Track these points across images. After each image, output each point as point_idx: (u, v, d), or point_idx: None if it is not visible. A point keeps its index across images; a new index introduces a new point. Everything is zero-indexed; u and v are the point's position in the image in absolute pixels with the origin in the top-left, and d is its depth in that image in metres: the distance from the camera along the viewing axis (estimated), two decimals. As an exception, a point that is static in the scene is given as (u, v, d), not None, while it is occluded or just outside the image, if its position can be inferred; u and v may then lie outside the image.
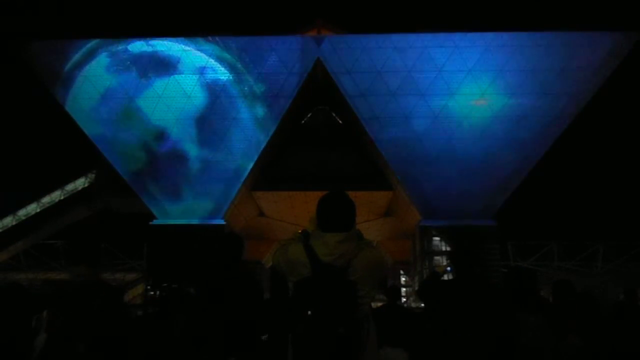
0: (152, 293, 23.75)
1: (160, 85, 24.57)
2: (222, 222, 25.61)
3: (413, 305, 24.25)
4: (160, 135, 25.24)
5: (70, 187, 29.35)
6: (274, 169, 27.34)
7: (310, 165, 26.38)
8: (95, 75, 24.59)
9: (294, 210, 28.31)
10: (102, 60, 24.45)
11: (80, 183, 29.43)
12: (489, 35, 23.89)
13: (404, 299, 27.72)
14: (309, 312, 2.34)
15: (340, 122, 28.82)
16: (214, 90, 24.69)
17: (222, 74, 24.56)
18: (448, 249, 25.25)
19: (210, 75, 24.63)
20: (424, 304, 4.90)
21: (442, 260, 24.98)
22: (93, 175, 29.39)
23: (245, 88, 24.57)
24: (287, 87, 24.46)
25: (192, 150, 25.20)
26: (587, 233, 27.80)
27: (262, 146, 24.95)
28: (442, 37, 24.02)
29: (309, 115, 28.93)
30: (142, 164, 25.64)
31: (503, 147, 24.12)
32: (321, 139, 27.16)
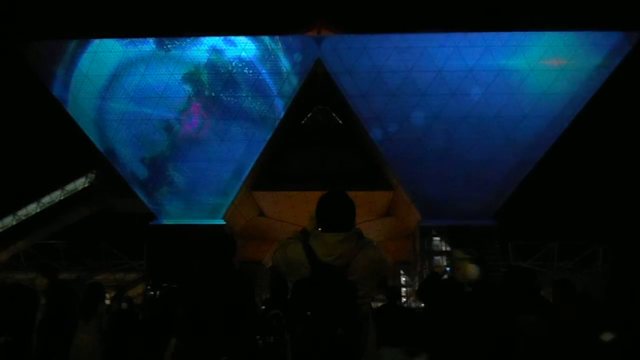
0: (152, 293, 23.75)
1: (161, 84, 24.57)
2: (222, 222, 25.63)
3: (413, 305, 24.23)
4: (160, 135, 25.25)
5: (70, 187, 29.36)
6: (274, 169, 27.34)
7: (310, 165, 26.39)
8: (96, 74, 24.58)
9: (294, 210, 28.31)
10: (102, 59, 24.43)
11: (80, 183, 29.44)
12: (489, 35, 23.88)
13: (404, 299, 27.71)
14: (308, 313, 2.33)
15: (340, 122, 28.82)
16: (214, 90, 24.69)
17: (222, 73, 24.55)
18: (448, 249, 25.26)
19: (210, 75, 24.62)
20: (424, 304, 4.90)
21: (442, 260, 24.99)
22: (93, 175, 29.40)
23: (245, 88, 24.57)
24: (287, 87, 24.46)
25: (192, 149, 25.20)
26: (587, 233, 27.77)
27: (262, 146, 24.95)
28: (442, 37, 24.00)
29: (309, 115, 28.93)
30: (142, 164, 25.66)
31: (503, 147, 24.12)
32: (321, 139, 27.16)
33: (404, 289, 30.86)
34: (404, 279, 34.06)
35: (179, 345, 3.65)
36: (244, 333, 3.36)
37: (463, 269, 3.64)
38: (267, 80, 24.45)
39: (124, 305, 7.52)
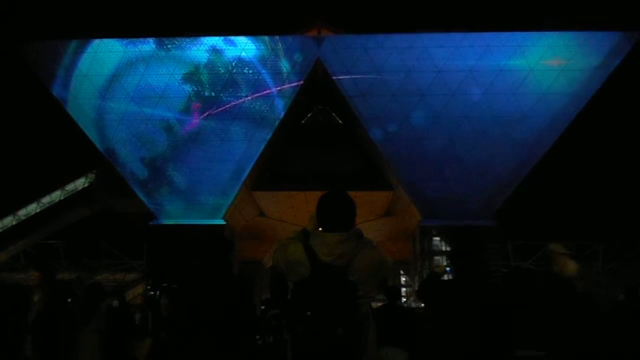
0: (152, 293, 23.74)
1: (161, 84, 24.57)
2: (222, 222, 25.62)
3: (413, 305, 24.23)
4: (160, 135, 25.25)
5: (70, 187, 29.34)
6: (274, 169, 27.34)
7: (310, 165, 26.39)
8: (96, 74, 24.58)
9: (294, 210, 28.30)
10: (102, 59, 24.44)
11: (80, 183, 29.42)
12: (489, 35, 23.88)
13: (404, 299, 27.71)
14: (309, 313, 2.33)
15: (340, 122, 28.82)
16: (214, 90, 24.69)
17: (222, 73, 24.56)
18: (448, 249, 25.25)
19: (210, 75, 24.62)
20: (424, 304, 4.90)
21: (442, 260, 24.97)
22: (93, 175, 29.39)
23: (245, 88, 24.57)
24: (287, 87, 24.46)
25: (192, 150, 25.20)
26: (587, 233, 27.75)
27: (262, 146, 24.95)
28: (442, 37, 24.01)
29: (309, 115, 28.93)
30: (142, 164, 25.66)
31: (503, 147, 24.11)
32: (321, 139, 27.16)
33: (404, 289, 30.85)
34: (404, 279, 34.05)
35: (156, 346, 3.65)
36: (241, 334, 3.36)
37: (563, 264, 3.53)
38: (267, 80, 24.45)
39: (115, 302, 7.32)
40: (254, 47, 24.40)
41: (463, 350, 3.42)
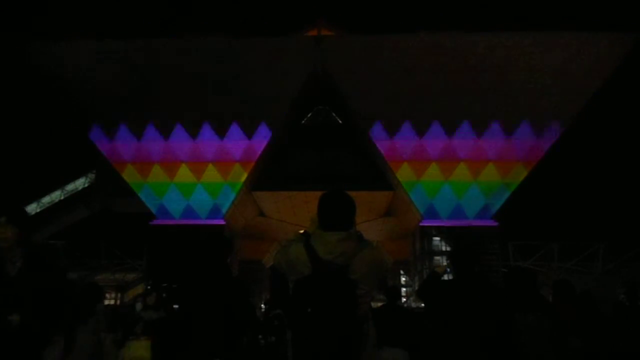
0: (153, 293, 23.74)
1: (160, 85, 24.53)
2: (222, 222, 25.63)
3: (413, 305, 24.24)
4: (161, 135, 25.24)
5: (70, 187, 29.38)
6: (274, 169, 27.34)
7: (310, 165, 26.39)
8: (96, 75, 24.54)
9: (294, 210, 28.31)
10: (102, 60, 24.40)
11: (80, 183, 29.47)
12: (489, 35, 23.87)
13: (404, 299, 27.71)
14: (309, 310, 2.35)
15: (340, 122, 28.82)
16: (214, 90, 24.66)
17: (222, 74, 24.52)
18: (448, 249, 25.27)
19: (210, 75, 24.58)
20: (424, 303, 4.90)
21: (442, 260, 24.99)
22: (93, 175, 29.42)
23: (245, 88, 24.53)
24: (287, 87, 24.44)
25: (192, 150, 25.20)
26: (587, 233, 27.74)
27: (262, 146, 24.95)
28: (442, 37, 24.00)
29: (309, 115, 28.92)
30: (142, 164, 25.64)
31: (503, 147, 24.12)
32: (321, 139, 27.17)
33: (404, 289, 30.86)
34: (404, 279, 34.07)
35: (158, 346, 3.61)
36: (236, 334, 3.36)
37: None
38: (267, 80, 24.42)
39: (139, 306, 7.08)
40: (254, 47, 24.36)
41: (463, 350, 3.42)
